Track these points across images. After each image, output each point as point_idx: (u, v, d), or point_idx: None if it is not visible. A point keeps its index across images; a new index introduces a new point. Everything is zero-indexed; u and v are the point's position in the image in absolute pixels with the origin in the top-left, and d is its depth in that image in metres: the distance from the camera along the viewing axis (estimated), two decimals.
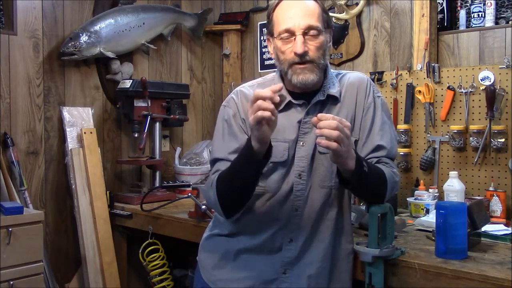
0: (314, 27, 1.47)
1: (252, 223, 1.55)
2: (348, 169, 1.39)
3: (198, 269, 1.69)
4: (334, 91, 1.55)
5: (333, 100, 1.56)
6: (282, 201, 1.53)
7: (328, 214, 1.55)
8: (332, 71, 1.63)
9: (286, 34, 1.48)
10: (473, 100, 2.42)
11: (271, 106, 1.29)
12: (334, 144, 1.30)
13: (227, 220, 1.58)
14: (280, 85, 1.35)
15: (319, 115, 1.33)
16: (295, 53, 1.46)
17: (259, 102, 1.29)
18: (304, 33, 1.47)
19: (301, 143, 1.53)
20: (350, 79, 1.60)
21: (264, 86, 1.59)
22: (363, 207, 1.97)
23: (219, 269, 1.60)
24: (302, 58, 1.47)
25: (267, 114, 1.28)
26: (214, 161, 1.58)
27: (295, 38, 1.47)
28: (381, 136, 1.56)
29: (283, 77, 1.58)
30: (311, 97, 1.54)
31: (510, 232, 1.97)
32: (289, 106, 1.54)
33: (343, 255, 1.60)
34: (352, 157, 1.38)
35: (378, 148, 1.55)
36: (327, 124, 1.30)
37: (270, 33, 1.55)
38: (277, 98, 1.30)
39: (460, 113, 2.46)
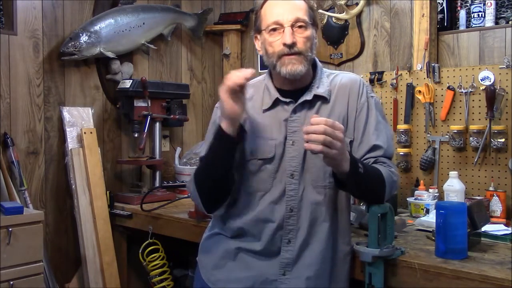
0: (302, 19, 1.50)
1: (249, 224, 1.55)
2: (343, 171, 1.39)
3: (198, 269, 1.68)
4: (321, 91, 1.56)
5: (323, 100, 1.56)
6: (276, 201, 1.53)
7: (324, 214, 1.55)
8: (325, 70, 1.64)
9: (274, 26, 1.50)
10: (473, 100, 2.42)
11: (236, 76, 1.38)
12: (318, 147, 1.31)
13: (219, 218, 1.60)
14: (251, 70, 1.40)
15: (312, 119, 1.33)
16: (284, 44, 1.48)
17: (228, 75, 1.39)
18: (292, 26, 1.49)
19: (291, 142, 1.53)
20: (342, 80, 1.61)
21: (255, 87, 1.62)
22: (363, 207, 1.97)
23: (219, 269, 1.60)
24: (290, 49, 1.48)
25: (230, 81, 1.38)
26: (200, 160, 1.62)
27: (283, 31, 1.49)
28: (377, 135, 1.56)
29: (272, 75, 1.60)
30: (299, 96, 1.55)
31: (510, 232, 1.97)
32: (276, 103, 1.56)
33: (341, 256, 1.60)
34: (346, 159, 1.38)
35: (375, 148, 1.55)
36: (315, 129, 1.31)
37: (258, 29, 1.58)
38: (246, 73, 1.39)
39: (460, 113, 2.46)
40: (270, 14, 1.52)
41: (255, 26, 1.59)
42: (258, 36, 1.59)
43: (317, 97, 1.55)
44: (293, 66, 1.49)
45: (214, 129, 1.56)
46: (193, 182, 1.55)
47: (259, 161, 1.53)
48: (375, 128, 1.56)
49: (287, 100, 1.55)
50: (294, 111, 1.54)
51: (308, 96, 1.55)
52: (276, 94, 1.56)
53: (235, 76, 1.39)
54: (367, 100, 1.58)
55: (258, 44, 1.60)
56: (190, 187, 1.58)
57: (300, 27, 1.50)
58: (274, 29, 1.50)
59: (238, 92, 1.40)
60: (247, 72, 1.39)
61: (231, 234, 1.60)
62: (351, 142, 1.56)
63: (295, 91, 1.56)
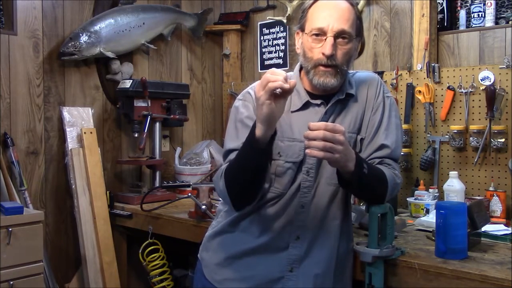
0: (347, 32, 1.48)
1: (258, 220, 1.55)
2: (348, 170, 1.39)
3: (199, 269, 1.67)
4: (352, 90, 1.57)
5: (352, 98, 1.57)
6: (289, 198, 1.53)
7: (335, 212, 1.55)
8: None
9: (318, 33, 1.48)
10: (473, 100, 2.42)
11: (281, 77, 1.27)
12: (320, 153, 1.31)
13: (235, 211, 1.55)
14: (294, 81, 1.32)
15: (310, 124, 1.33)
16: (323, 54, 1.47)
17: (268, 76, 1.29)
18: (335, 37, 1.47)
19: None
20: (361, 77, 1.62)
21: None
22: (363, 207, 1.97)
23: (225, 268, 1.59)
24: (328, 60, 1.47)
25: (278, 83, 1.26)
26: (227, 153, 1.55)
27: (325, 39, 1.47)
28: (386, 135, 1.56)
29: (301, 75, 1.58)
30: (329, 98, 1.55)
31: (510, 232, 1.97)
32: (306, 106, 1.55)
33: (346, 254, 1.61)
34: (351, 159, 1.37)
35: (382, 147, 1.55)
36: (314, 135, 1.30)
37: (301, 28, 1.55)
38: (291, 84, 1.28)
39: (460, 113, 2.46)
40: (317, 18, 1.49)
41: (300, 23, 1.56)
42: (300, 34, 1.56)
43: (347, 96, 1.56)
44: (326, 79, 1.49)
45: (243, 127, 1.52)
46: (223, 179, 1.47)
47: (287, 164, 1.51)
48: (385, 128, 1.57)
49: (318, 102, 1.55)
50: (326, 113, 1.54)
51: (340, 95, 1.55)
52: (306, 97, 1.55)
53: (281, 81, 1.28)
54: (383, 100, 1.59)
55: (297, 42, 1.58)
56: (219, 184, 1.49)
57: (343, 38, 1.48)
58: (317, 35, 1.48)
59: (280, 96, 1.31)
60: (291, 81, 1.30)
61: (237, 229, 1.58)
62: (361, 140, 1.57)
63: (323, 96, 1.55)
